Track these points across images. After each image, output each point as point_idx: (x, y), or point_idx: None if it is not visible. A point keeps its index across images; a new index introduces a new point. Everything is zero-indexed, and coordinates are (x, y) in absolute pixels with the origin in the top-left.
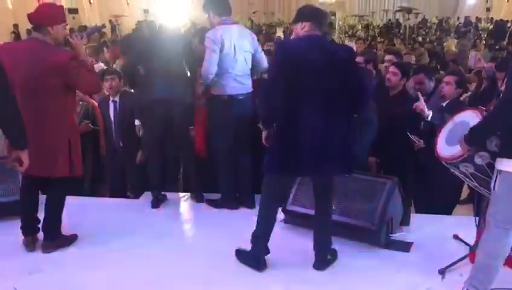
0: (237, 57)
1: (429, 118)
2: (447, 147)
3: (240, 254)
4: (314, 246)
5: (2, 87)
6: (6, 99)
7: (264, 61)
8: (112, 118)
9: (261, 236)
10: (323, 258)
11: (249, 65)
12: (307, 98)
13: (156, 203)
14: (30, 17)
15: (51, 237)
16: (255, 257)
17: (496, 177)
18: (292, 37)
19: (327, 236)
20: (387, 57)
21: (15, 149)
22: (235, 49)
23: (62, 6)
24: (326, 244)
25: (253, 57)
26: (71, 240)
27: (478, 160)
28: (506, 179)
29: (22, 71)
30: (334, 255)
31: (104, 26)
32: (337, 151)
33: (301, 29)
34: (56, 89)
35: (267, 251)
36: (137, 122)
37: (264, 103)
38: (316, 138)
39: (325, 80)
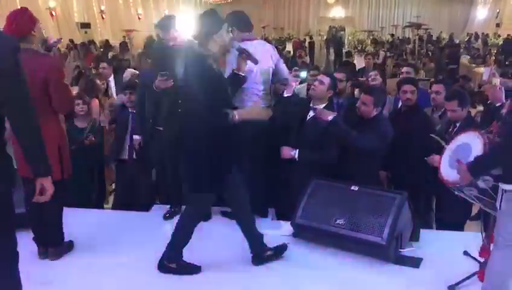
0: (259, 72)
1: None
2: (450, 170)
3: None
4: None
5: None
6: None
7: (285, 72)
8: (130, 129)
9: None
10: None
11: (269, 80)
12: None
13: (170, 215)
14: (12, 32)
15: (55, 244)
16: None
17: (502, 196)
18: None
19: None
20: (405, 69)
21: (35, 177)
22: (257, 65)
23: (25, 7)
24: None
25: (275, 68)
26: (71, 246)
27: (482, 184)
28: (511, 198)
29: None
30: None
31: (60, 40)
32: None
33: None
34: (44, 96)
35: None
36: (137, 137)
37: None
38: None
39: None
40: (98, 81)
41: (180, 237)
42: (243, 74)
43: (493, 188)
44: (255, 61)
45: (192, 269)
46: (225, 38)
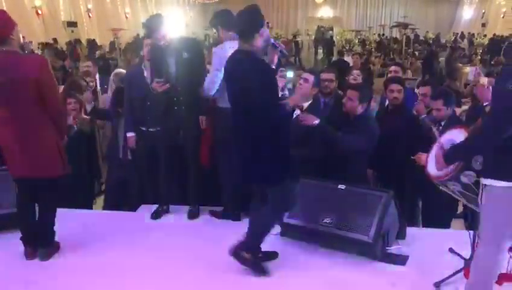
0: None
1: None
2: (434, 165)
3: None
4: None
5: None
6: None
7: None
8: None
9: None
10: (243, 246)
11: None
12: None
13: (157, 215)
14: None
15: (46, 244)
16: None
17: (482, 191)
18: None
19: (254, 230)
20: (393, 68)
21: None
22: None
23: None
24: (251, 239)
25: None
26: (57, 247)
27: (464, 179)
28: (491, 193)
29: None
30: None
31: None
32: (249, 161)
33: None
34: (36, 96)
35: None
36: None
37: None
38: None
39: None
40: (88, 79)
41: (263, 228)
42: (274, 67)
43: (476, 183)
44: (286, 56)
45: (262, 270)
46: (267, 33)
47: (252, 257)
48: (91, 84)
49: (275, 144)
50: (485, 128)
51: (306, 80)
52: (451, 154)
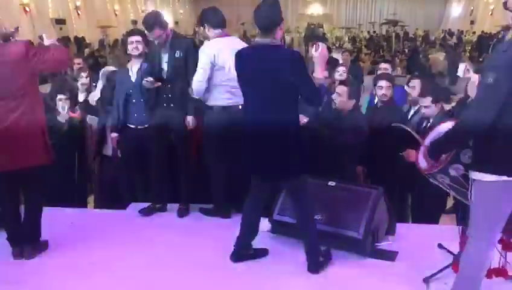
0: (231, 68)
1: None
2: (423, 158)
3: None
4: (304, 249)
5: None
6: None
7: None
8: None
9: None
10: (313, 260)
11: None
12: (252, 103)
13: (149, 212)
14: None
15: (33, 242)
16: None
17: (471, 186)
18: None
19: (310, 240)
20: (382, 65)
21: None
22: (228, 61)
23: None
24: (312, 248)
25: None
26: (46, 246)
27: (452, 172)
28: (480, 188)
29: None
30: (326, 256)
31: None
32: (281, 155)
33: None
34: (24, 82)
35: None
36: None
37: None
38: (261, 140)
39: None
40: (82, 74)
41: (313, 227)
42: None
43: (465, 177)
44: None
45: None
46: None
47: (323, 257)
48: (85, 80)
49: (298, 135)
50: (465, 119)
51: None
52: (434, 146)
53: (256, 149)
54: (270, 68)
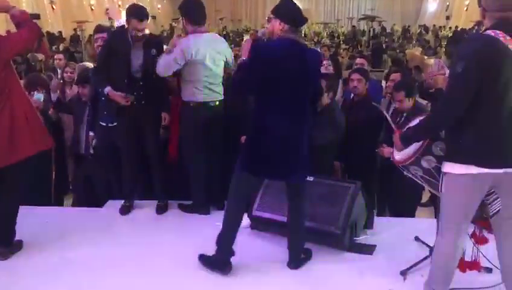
0: (209, 65)
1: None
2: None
3: (204, 259)
4: (288, 245)
5: None
6: None
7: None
8: (85, 123)
9: (227, 238)
10: (296, 257)
11: (221, 73)
12: (278, 103)
13: (126, 210)
14: None
15: (6, 242)
16: (220, 260)
17: (442, 179)
18: (266, 29)
19: (298, 236)
20: (358, 60)
21: None
22: (207, 57)
23: None
24: (297, 244)
25: (226, 63)
26: (20, 245)
27: (424, 163)
28: (450, 180)
29: None
30: (308, 254)
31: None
32: (298, 155)
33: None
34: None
35: (233, 253)
36: (91, 133)
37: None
38: (282, 141)
39: (296, 86)
40: (66, 69)
41: (305, 227)
42: None
43: (437, 169)
44: None
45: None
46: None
47: (305, 254)
48: (66, 75)
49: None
50: (436, 108)
51: None
52: (406, 134)
53: (276, 151)
54: (305, 68)
